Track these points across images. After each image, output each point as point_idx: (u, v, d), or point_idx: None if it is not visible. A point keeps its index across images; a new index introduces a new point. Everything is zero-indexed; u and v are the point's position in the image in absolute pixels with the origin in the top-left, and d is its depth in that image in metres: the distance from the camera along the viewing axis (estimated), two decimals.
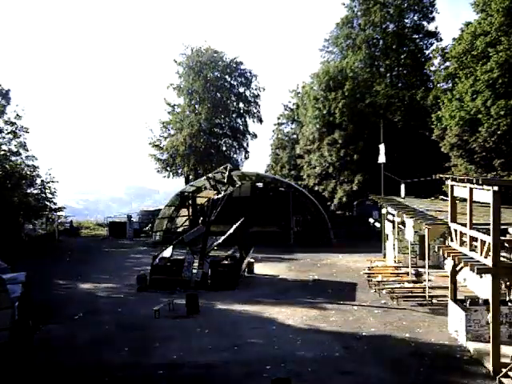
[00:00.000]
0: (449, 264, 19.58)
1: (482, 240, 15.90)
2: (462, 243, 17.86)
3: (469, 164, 37.78)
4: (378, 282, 26.26)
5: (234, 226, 30.88)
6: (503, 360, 15.12)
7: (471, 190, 16.67)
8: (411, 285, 25.38)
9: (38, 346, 18.10)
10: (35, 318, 21.07)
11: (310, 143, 51.65)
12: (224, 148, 61.13)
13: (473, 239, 16.87)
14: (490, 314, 15.54)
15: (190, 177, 58.75)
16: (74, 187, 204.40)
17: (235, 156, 61.55)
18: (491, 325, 15.38)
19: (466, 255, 17.06)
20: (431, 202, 32.32)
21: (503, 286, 18.69)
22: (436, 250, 24.51)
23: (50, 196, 43.31)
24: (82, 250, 40.64)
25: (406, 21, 55.22)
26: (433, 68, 52.87)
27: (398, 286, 25.19)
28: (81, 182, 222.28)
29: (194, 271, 27.52)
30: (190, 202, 43.58)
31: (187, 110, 59.13)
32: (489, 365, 15.30)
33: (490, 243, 15.17)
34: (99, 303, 24.07)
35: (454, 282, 19.57)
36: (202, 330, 19.68)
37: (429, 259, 24.77)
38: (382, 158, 38.66)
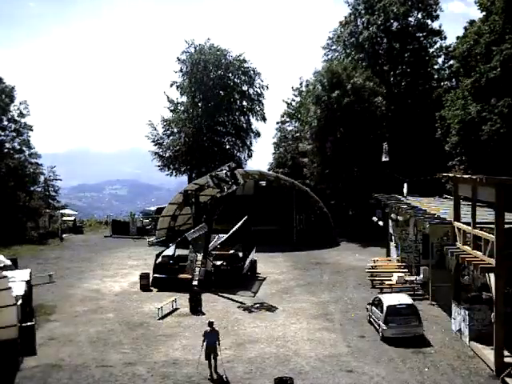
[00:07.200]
0: (452, 263, 19.55)
1: (485, 239, 15.87)
2: (466, 242, 17.82)
3: (472, 163, 37.64)
4: (381, 280, 26.22)
5: (237, 225, 30.85)
6: (506, 359, 15.10)
7: (475, 188, 16.64)
8: (413, 284, 25.31)
9: (41, 343, 18.13)
10: (38, 315, 21.15)
11: (313, 142, 51.54)
12: (227, 146, 60.99)
13: (476, 238, 16.82)
14: (494, 313, 15.51)
15: (193, 175, 58.64)
16: (77, 184, 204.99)
17: (238, 154, 61.38)
18: (495, 324, 15.35)
19: (469, 254, 17.03)
20: (434, 200, 32.24)
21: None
22: (439, 248, 24.46)
23: (53, 194, 43.39)
24: (85, 248, 40.64)
25: (410, 19, 54.89)
26: (436, 66, 52.75)
27: (401, 284, 25.13)
28: (83, 180, 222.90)
29: (197, 269, 27.51)
30: (193, 200, 43.49)
31: (190, 108, 58.97)
32: (492, 364, 15.27)
33: (493, 242, 15.13)
34: (102, 301, 24.10)
35: (457, 280, 19.55)
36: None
37: (432, 258, 24.75)
38: (385, 157, 38.55)
